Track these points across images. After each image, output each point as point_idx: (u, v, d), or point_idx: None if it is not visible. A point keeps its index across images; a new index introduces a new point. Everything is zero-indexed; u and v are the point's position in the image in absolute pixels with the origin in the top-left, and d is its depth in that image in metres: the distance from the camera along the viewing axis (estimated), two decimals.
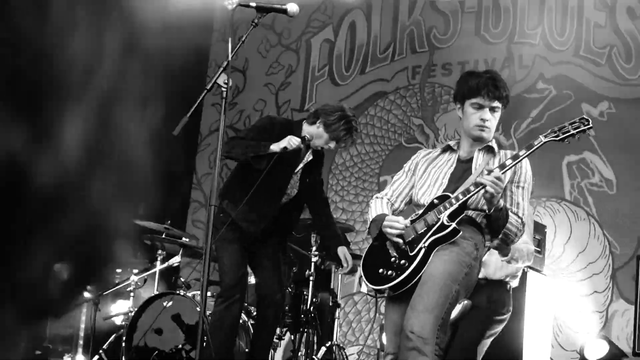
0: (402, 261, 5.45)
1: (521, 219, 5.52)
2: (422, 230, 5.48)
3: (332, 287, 9.23)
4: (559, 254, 9.93)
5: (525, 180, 5.58)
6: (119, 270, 11.10)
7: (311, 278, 8.70)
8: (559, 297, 9.71)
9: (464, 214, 5.46)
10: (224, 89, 5.77)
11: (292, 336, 8.92)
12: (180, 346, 8.46)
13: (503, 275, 7.24)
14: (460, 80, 5.83)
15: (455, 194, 5.45)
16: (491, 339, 7.10)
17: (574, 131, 5.33)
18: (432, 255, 5.39)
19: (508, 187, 5.52)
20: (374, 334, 10.69)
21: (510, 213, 5.46)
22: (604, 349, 8.54)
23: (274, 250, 7.82)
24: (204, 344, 5.69)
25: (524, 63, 10.56)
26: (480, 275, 7.21)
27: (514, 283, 7.40)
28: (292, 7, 6.09)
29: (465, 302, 7.05)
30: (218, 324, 7.70)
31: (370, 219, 5.83)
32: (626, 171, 9.85)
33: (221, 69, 5.81)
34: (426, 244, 5.41)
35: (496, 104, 5.64)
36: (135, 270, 10.11)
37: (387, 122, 11.44)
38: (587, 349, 8.64)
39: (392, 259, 5.52)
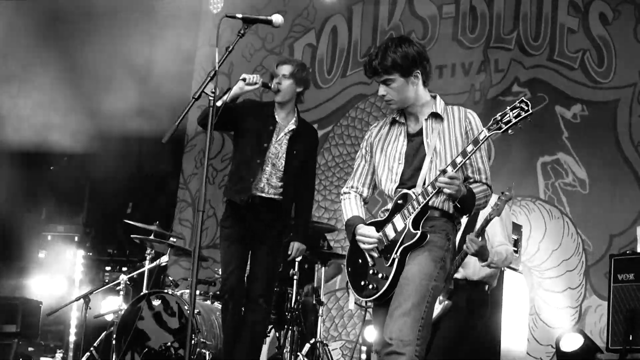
0: (380, 274, 5.41)
1: (486, 183, 5.41)
2: (392, 237, 5.40)
3: (315, 285, 9.19)
4: (534, 252, 9.93)
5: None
6: (108, 268, 11.08)
7: (295, 277, 8.66)
8: (534, 293, 9.74)
9: (427, 213, 5.34)
10: (211, 98, 5.72)
11: (277, 333, 8.89)
12: (169, 344, 8.40)
13: (483, 276, 7.22)
14: None
15: (416, 194, 5.32)
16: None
17: (515, 120, 5.07)
18: (406, 259, 5.33)
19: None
20: (356, 329, 10.68)
21: (474, 186, 5.36)
22: (579, 341, 8.52)
23: (269, 250, 7.67)
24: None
25: (499, 67, 10.54)
26: (460, 276, 7.19)
27: (493, 283, 7.38)
28: (277, 19, 6.04)
29: (446, 302, 7.03)
30: (223, 323, 7.68)
31: (344, 221, 5.73)
32: (599, 171, 9.84)
33: (208, 78, 5.76)
34: (398, 254, 5.35)
35: (383, 77, 5.43)
36: (125, 269, 10.08)
37: (367, 123, 11.40)
38: (563, 341, 8.62)
39: (371, 271, 5.48)
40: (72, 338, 10.17)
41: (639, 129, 9.68)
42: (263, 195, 7.55)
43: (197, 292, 9.33)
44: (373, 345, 5.70)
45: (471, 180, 5.39)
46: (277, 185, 7.57)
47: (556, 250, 9.92)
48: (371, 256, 5.50)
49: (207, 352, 8.40)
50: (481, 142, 5.17)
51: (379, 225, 5.52)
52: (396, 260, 5.34)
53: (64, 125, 11.30)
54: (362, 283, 5.52)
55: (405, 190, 5.41)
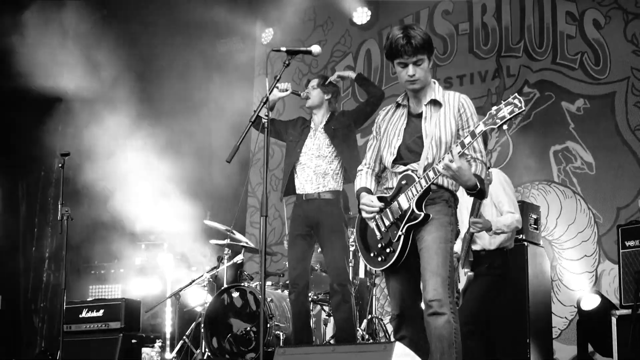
0: (387, 248, 5.36)
1: (482, 161, 5.29)
2: (398, 216, 5.31)
3: (368, 269, 9.17)
4: (553, 227, 9.88)
5: (474, 124, 5.23)
6: (194, 268, 11.15)
7: (350, 264, 8.61)
8: (556, 262, 9.70)
9: (429, 194, 5.25)
10: (264, 120, 5.76)
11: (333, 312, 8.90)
12: (248, 328, 8.46)
13: (498, 244, 7.17)
14: (385, 42, 5.44)
15: (419, 177, 5.23)
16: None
17: (509, 116, 4.92)
18: (411, 237, 5.27)
19: (461, 136, 5.22)
20: None
21: (473, 167, 5.23)
22: (597, 301, 8.46)
23: (315, 240, 7.69)
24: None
25: (511, 72, 10.48)
26: (478, 248, 7.15)
27: (510, 245, 7.31)
28: (316, 49, 6.03)
29: (469, 273, 7.01)
30: (294, 313, 7.69)
31: (355, 194, 5.68)
32: (603, 155, 9.79)
33: (261, 104, 5.80)
34: (404, 231, 5.27)
35: (417, 57, 5.24)
36: (208, 268, 10.14)
37: None
38: (583, 302, 8.56)
39: (379, 244, 5.42)
40: (168, 329, 10.23)
41: (634, 116, 9.60)
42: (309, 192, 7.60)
43: (269, 283, 9.39)
44: (391, 310, 5.67)
45: (468, 157, 5.21)
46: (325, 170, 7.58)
47: (572, 224, 9.87)
48: (378, 229, 5.43)
49: (281, 333, 8.44)
50: (477, 135, 5.03)
51: (385, 202, 5.42)
52: (402, 237, 5.27)
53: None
54: (372, 254, 5.48)
55: (409, 172, 5.31)
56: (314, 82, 7.83)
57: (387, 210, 5.39)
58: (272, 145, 12.12)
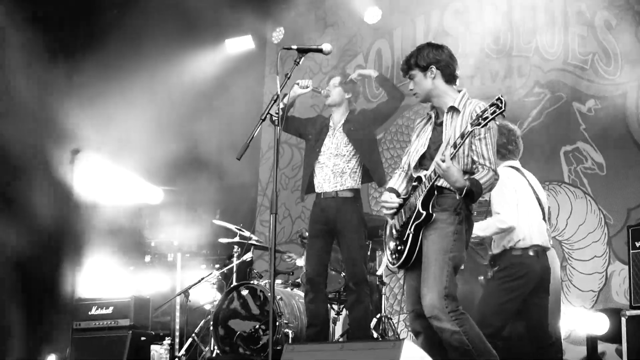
0: (400, 247, 5.55)
1: (490, 167, 5.40)
2: (409, 214, 5.52)
3: (377, 269, 9.18)
4: (563, 228, 9.88)
5: (482, 133, 5.40)
6: (203, 266, 11.18)
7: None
8: (566, 263, 9.69)
9: (434, 195, 5.44)
10: (275, 118, 5.77)
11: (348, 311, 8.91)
12: (257, 326, 8.47)
13: (502, 247, 6.99)
14: None
15: (426, 177, 5.45)
16: None
17: (492, 116, 5.13)
18: (420, 236, 5.45)
19: (472, 142, 5.40)
20: None
21: (480, 173, 5.36)
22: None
23: (333, 240, 7.68)
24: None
25: (522, 72, 10.49)
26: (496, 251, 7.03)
27: (520, 245, 7.00)
28: (327, 47, 6.06)
29: (480, 278, 6.97)
30: (312, 313, 7.65)
31: None
32: (613, 155, 9.78)
33: (272, 101, 5.81)
34: (412, 230, 5.46)
35: (410, 73, 5.70)
36: (217, 266, 10.16)
37: (412, 129, 11.39)
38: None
39: (395, 243, 5.63)
40: (177, 326, 10.26)
41: None
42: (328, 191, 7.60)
43: (278, 281, 9.40)
44: (406, 306, 5.76)
45: (477, 165, 5.42)
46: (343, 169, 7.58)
47: (582, 225, 9.86)
48: (396, 228, 5.63)
49: (290, 331, 8.45)
50: (466, 136, 5.25)
51: (404, 202, 5.67)
52: (411, 235, 5.45)
53: None
54: (390, 253, 5.68)
55: (421, 174, 5.52)
56: (336, 80, 7.83)
57: (403, 210, 5.60)
58: (282, 144, 12.15)
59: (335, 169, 7.57)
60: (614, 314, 8.10)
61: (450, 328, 5.27)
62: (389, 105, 7.83)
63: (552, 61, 10.32)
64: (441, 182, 5.41)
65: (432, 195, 5.42)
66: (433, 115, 5.75)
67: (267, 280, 8.88)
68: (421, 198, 5.41)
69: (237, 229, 9.59)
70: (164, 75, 11.85)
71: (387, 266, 5.84)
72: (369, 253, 8.70)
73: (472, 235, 6.65)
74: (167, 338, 10.12)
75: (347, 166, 7.57)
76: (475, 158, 5.39)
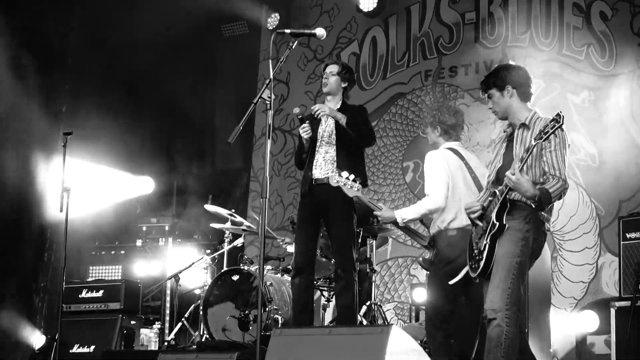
0: (478, 257, 5.78)
1: (559, 177, 5.60)
2: (486, 226, 5.75)
3: (368, 256, 9.18)
4: (554, 219, 9.81)
5: (552, 145, 5.61)
6: (194, 251, 11.18)
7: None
8: (557, 254, 9.71)
9: (507, 208, 5.65)
10: (267, 102, 5.76)
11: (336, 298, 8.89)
12: (247, 312, 8.47)
13: (437, 229, 6.94)
14: None
15: (499, 192, 5.68)
16: None
17: (552, 130, 5.39)
18: (495, 247, 5.68)
19: (543, 155, 5.62)
20: (406, 292, 10.70)
21: (550, 182, 5.56)
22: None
23: (321, 225, 7.70)
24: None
25: (516, 63, 10.45)
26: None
27: (454, 224, 6.79)
28: (320, 31, 6.08)
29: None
30: (296, 297, 7.64)
31: None
32: (606, 147, 9.78)
33: (265, 85, 5.80)
34: (488, 240, 5.69)
35: (489, 92, 5.96)
36: (208, 251, 10.16)
37: (406, 117, 11.43)
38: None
39: (474, 253, 5.86)
40: (167, 311, 10.27)
41: (639, 108, 9.61)
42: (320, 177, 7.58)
43: (269, 267, 9.40)
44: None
45: (547, 175, 5.63)
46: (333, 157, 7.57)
47: (573, 216, 9.89)
48: (476, 237, 5.88)
49: (280, 317, 8.46)
50: (530, 150, 5.52)
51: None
52: (487, 246, 5.68)
53: None
54: (470, 262, 5.91)
55: (495, 190, 5.75)
56: (334, 68, 7.78)
57: (482, 222, 5.84)
58: (275, 130, 12.16)
59: (326, 157, 7.56)
60: (603, 305, 8.15)
61: (498, 320, 5.51)
62: (364, 143, 7.80)
63: (547, 51, 10.33)
64: (513, 195, 5.64)
65: (505, 207, 5.65)
66: (509, 132, 5.99)
67: (257, 266, 8.86)
68: (495, 210, 5.65)
69: (229, 214, 9.58)
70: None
71: (468, 273, 5.92)
72: (359, 240, 8.69)
73: (406, 219, 6.73)
74: (157, 322, 10.12)
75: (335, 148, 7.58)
76: (545, 169, 5.62)
